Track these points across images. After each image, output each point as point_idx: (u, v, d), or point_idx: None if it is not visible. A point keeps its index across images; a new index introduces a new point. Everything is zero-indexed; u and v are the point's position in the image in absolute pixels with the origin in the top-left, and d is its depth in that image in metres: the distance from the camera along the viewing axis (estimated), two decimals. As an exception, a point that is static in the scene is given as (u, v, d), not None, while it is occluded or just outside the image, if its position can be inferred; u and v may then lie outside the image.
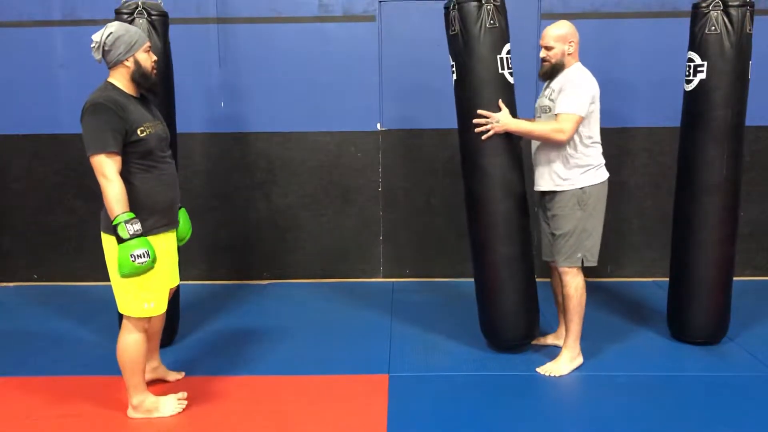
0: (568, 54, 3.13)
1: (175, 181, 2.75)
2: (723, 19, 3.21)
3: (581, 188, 3.11)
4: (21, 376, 3.20)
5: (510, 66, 3.21)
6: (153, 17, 3.21)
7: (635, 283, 4.62)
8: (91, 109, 2.48)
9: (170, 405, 2.81)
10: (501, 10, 3.17)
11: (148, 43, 2.65)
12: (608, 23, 4.49)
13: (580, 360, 3.25)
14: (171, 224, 2.74)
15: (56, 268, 4.76)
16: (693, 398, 2.94)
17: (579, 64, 3.16)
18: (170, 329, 3.55)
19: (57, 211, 4.71)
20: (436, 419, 2.79)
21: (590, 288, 4.44)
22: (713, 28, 3.22)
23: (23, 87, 4.58)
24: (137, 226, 2.47)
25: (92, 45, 2.58)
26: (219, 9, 4.51)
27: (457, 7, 3.15)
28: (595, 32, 4.47)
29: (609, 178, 3.18)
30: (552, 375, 3.16)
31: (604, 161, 3.19)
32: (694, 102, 3.33)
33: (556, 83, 3.14)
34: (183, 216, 2.91)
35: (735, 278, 3.48)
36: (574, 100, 3.02)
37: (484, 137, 3.15)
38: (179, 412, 2.81)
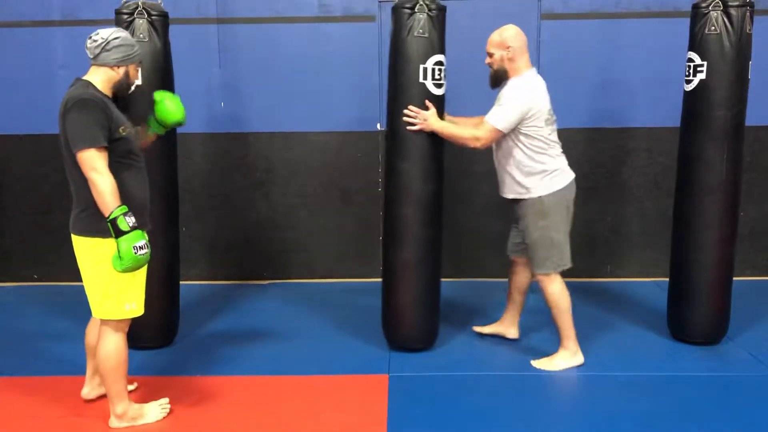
0: (508, 59, 3.13)
1: (147, 182, 2.72)
2: (723, 19, 3.21)
3: (539, 197, 3.15)
4: (21, 376, 3.20)
5: (437, 77, 3.21)
6: (153, 17, 3.22)
7: (635, 283, 4.62)
8: (80, 104, 2.49)
9: (154, 411, 2.77)
10: (436, 22, 3.18)
11: (140, 61, 2.74)
12: (608, 23, 4.49)
13: (579, 359, 3.26)
14: (143, 225, 2.62)
15: (56, 268, 4.75)
16: (693, 398, 2.95)
17: (527, 73, 3.15)
18: (170, 329, 3.55)
19: (57, 211, 4.70)
20: (436, 419, 2.79)
21: (591, 288, 4.50)
22: (713, 28, 3.22)
23: (23, 87, 4.57)
24: (133, 219, 2.46)
25: (95, 38, 2.57)
26: (219, 9, 4.51)
27: (393, 10, 3.21)
28: (595, 32, 4.47)
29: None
30: (543, 369, 3.22)
31: (561, 166, 3.19)
32: (694, 102, 3.34)
33: (501, 92, 3.18)
34: (173, 98, 2.86)
35: (735, 278, 3.48)
36: (499, 113, 3.09)
37: (409, 128, 3.19)
38: (167, 415, 2.79)
